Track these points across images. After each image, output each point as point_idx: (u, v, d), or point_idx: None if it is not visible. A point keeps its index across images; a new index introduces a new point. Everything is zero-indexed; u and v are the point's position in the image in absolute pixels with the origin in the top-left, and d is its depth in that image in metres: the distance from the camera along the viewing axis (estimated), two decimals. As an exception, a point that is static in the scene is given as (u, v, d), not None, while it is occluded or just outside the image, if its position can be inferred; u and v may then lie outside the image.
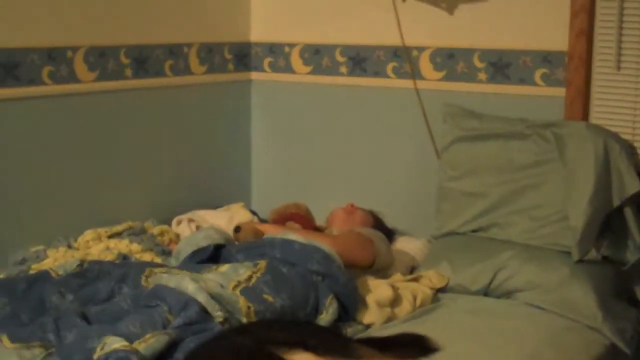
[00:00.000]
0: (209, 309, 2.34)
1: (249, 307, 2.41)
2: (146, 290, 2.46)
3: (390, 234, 3.40)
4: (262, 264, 2.62)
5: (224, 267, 2.60)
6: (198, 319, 2.30)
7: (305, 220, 3.29)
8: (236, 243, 2.94)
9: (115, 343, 2.10)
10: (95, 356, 2.08)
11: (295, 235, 2.82)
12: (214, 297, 2.38)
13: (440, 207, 3.37)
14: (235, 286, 2.48)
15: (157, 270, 2.62)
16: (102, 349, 2.09)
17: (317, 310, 2.59)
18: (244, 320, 2.39)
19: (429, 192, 3.44)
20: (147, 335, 2.16)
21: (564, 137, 3.09)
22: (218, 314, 2.34)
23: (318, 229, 3.29)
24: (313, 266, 2.65)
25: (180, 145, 3.70)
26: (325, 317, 2.57)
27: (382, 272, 3.02)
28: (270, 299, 2.47)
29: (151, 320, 2.28)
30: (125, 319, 2.29)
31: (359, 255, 2.95)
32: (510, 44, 3.37)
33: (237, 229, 3.05)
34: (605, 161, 3.00)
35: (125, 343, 2.10)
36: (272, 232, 2.98)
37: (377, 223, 3.39)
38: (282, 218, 3.30)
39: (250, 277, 2.54)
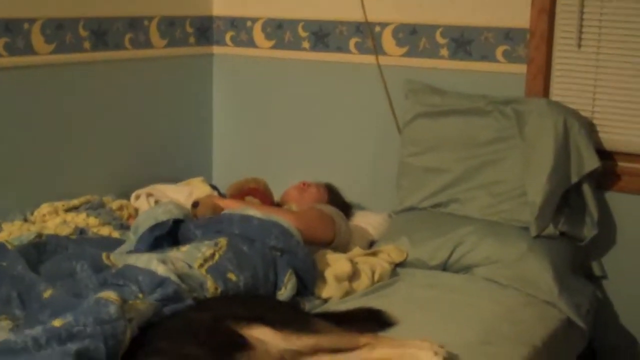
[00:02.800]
0: (180, 290, 2.32)
1: (216, 288, 2.41)
2: (111, 269, 2.42)
3: (347, 208, 3.40)
4: (223, 242, 2.60)
5: (185, 248, 2.58)
6: (174, 297, 2.27)
7: (264, 195, 3.27)
8: (195, 219, 2.92)
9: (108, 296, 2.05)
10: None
11: (253, 210, 2.80)
12: (183, 278, 2.36)
13: (400, 183, 3.37)
14: (201, 265, 2.47)
15: (118, 251, 2.60)
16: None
17: (275, 286, 2.59)
18: (208, 296, 2.38)
19: (390, 168, 3.44)
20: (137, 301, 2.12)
21: (524, 113, 3.10)
22: (188, 295, 2.32)
23: (277, 205, 3.28)
24: (271, 241, 2.65)
25: (141, 119, 3.66)
26: (284, 293, 2.57)
27: (341, 248, 3.02)
28: (234, 277, 2.47)
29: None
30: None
31: (320, 232, 2.94)
32: (472, 20, 3.37)
33: (195, 204, 3.03)
34: (564, 138, 3.02)
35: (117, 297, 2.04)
36: (230, 207, 2.96)
37: (333, 197, 3.39)
38: (241, 193, 3.28)
39: (213, 255, 2.53)
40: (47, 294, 2.26)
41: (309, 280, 2.66)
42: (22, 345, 1.87)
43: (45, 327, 1.92)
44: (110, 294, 2.04)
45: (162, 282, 2.30)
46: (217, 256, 2.52)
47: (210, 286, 2.41)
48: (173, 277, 2.33)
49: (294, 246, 2.67)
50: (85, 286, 2.33)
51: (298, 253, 2.66)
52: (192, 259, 2.48)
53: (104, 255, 2.52)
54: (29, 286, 2.35)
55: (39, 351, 1.86)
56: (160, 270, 2.35)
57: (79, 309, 1.99)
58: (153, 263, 2.38)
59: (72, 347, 1.86)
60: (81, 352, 1.86)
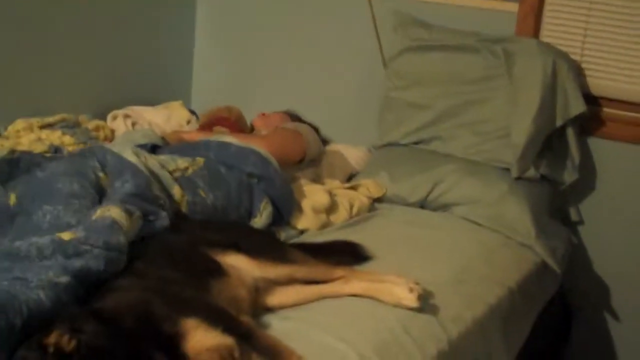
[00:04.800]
0: (151, 186, 2.29)
1: (182, 196, 2.37)
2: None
3: (314, 129, 3.35)
4: (200, 160, 2.57)
5: (162, 157, 2.55)
6: (146, 193, 2.23)
7: (234, 125, 3.20)
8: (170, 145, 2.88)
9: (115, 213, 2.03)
10: (94, 217, 2.01)
11: (231, 138, 2.76)
12: (152, 175, 2.33)
13: (383, 117, 3.32)
14: (174, 171, 2.44)
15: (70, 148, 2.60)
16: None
17: (250, 214, 2.55)
18: (175, 205, 2.34)
19: (374, 102, 3.39)
20: (132, 218, 2.07)
21: (513, 53, 3.05)
22: (158, 194, 2.29)
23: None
24: (248, 168, 2.61)
25: (120, 37, 3.56)
26: (260, 221, 2.54)
27: (314, 165, 2.97)
28: (203, 194, 2.44)
29: (83, 175, 2.22)
30: (58, 180, 2.20)
31: (290, 149, 2.91)
32: (465, -47, 3.29)
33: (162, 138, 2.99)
34: (552, 80, 2.98)
35: (123, 220, 2.01)
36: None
37: (295, 120, 3.33)
38: (211, 122, 3.22)
39: (187, 169, 2.49)
40: (12, 200, 2.21)
41: (285, 209, 2.63)
42: (25, 252, 1.85)
43: (54, 237, 1.89)
44: (122, 216, 2.01)
45: (133, 171, 2.27)
46: (190, 170, 2.49)
47: (177, 192, 2.37)
48: (142, 168, 2.30)
49: (271, 174, 2.63)
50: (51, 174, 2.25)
51: (275, 181, 2.62)
52: (166, 164, 2.46)
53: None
54: None
55: (42, 261, 1.83)
56: (132, 160, 2.33)
57: (92, 226, 1.95)
58: (126, 152, 2.36)
59: (76, 264, 1.84)
60: (82, 270, 1.84)
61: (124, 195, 2.18)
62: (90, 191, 2.21)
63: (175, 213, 2.34)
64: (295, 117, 3.36)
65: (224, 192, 2.50)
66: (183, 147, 2.77)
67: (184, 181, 2.43)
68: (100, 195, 2.23)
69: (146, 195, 2.24)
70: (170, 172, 2.43)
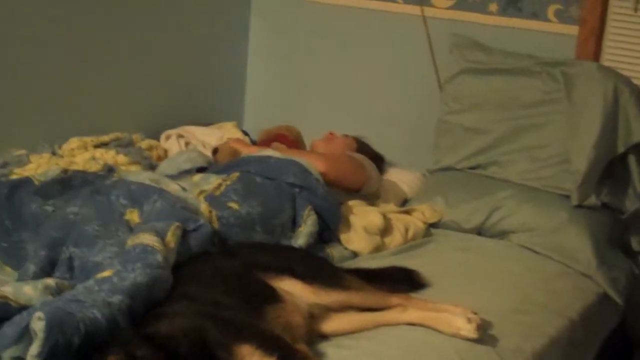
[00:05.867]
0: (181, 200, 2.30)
1: (210, 212, 2.35)
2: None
3: (378, 160, 3.31)
4: (235, 174, 2.57)
5: (197, 177, 2.57)
6: (178, 204, 2.24)
7: (293, 144, 3.19)
8: (216, 164, 2.90)
9: (146, 239, 2.02)
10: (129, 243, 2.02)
11: (272, 152, 2.76)
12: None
13: (438, 141, 3.27)
14: (200, 193, 2.43)
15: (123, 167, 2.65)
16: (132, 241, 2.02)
17: (295, 223, 2.52)
18: None
19: (429, 125, 3.34)
20: (169, 236, 2.07)
21: (573, 77, 2.99)
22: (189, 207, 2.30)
23: None
24: (289, 178, 2.59)
25: (174, 58, 3.57)
26: (305, 230, 2.51)
27: (370, 200, 2.94)
28: (235, 206, 2.41)
29: (108, 214, 2.23)
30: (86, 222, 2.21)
31: (349, 176, 2.87)
32: (525, -25, 3.24)
33: (215, 151, 3.01)
34: (613, 105, 2.91)
35: (156, 243, 2.01)
36: (250, 152, 2.89)
37: (362, 146, 3.29)
38: (270, 139, 3.21)
39: (219, 186, 2.49)
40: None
41: (330, 218, 2.59)
42: (74, 294, 1.82)
43: (96, 278, 1.87)
44: (153, 240, 1.99)
45: (154, 190, 2.29)
46: (222, 187, 2.48)
47: (205, 210, 2.35)
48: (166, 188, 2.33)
49: (313, 183, 2.60)
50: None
51: (317, 190, 2.60)
52: (194, 187, 2.46)
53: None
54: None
55: (91, 295, 1.81)
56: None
57: (126, 258, 1.95)
58: (145, 182, 2.37)
59: (125, 283, 1.84)
60: (132, 287, 1.84)
61: (157, 214, 2.18)
62: (113, 229, 2.21)
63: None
64: (362, 144, 3.31)
65: (260, 200, 2.47)
66: (225, 166, 2.76)
67: (211, 199, 2.41)
68: (128, 227, 2.23)
69: (179, 206, 2.23)
70: (198, 195, 2.43)
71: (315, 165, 2.69)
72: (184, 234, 2.15)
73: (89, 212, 2.26)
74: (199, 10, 3.64)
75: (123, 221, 2.25)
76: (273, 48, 3.86)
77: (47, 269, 2.15)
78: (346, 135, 3.32)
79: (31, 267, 2.14)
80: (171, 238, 2.06)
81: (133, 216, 2.26)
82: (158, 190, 2.30)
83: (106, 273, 1.90)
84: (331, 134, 3.31)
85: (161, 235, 2.05)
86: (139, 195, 2.30)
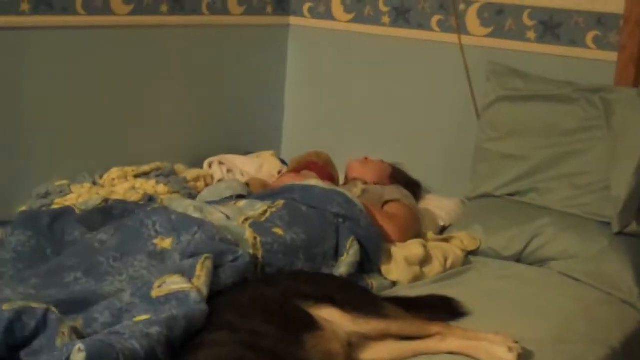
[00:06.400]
0: (221, 231, 2.30)
1: (255, 238, 2.36)
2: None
3: (415, 186, 3.32)
4: (280, 202, 2.59)
5: (242, 203, 2.60)
6: (217, 237, 2.25)
7: (322, 170, 3.19)
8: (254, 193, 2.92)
9: (174, 284, 2.02)
10: (154, 294, 2.00)
11: (316, 181, 2.77)
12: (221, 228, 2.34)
13: (476, 168, 3.26)
14: (245, 220, 2.44)
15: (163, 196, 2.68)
16: (159, 286, 2.02)
17: (337, 252, 2.53)
18: (251, 252, 2.32)
19: (466, 152, 3.33)
20: (198, 270, 2.07)
21: (612, 103, 2.96)
22: (230, 238, 2.29)
23: (334, 180, 3.19)
24: (334, 208, 2.60)
25: (213, 88, 3.60)
26: (347, 259, 2.52)
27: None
28: (280, 232, 2.43)
29: (133, 241, 2.26)
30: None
31: (412, 233, 2.87)
32: (562, 3, 3.22)
33: (246, 184, 3.04)
34: (654, 131, 2.88)
35: (184, 284, 2.01)
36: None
37: (397, 173, 3.30)
38: (300, 166, 3.23)
39: (265, 212, 2.52)
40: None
41: (372, 249, 2.60)
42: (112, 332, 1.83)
43: (129, 323, 1.88)
44: (181, 282, 2.00)
45: (195, 221, 2.30)
46: (268, 213, 2.51)
47: (249, 237, 2.36)
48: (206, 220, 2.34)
49: (357, 214, 2.62)
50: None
51: (361, 221, 2.61)
52: (239, 214, 2.48)
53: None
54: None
55: (130, 327, 1.82)
56: (196, 216, 2.38)
57: (158, 309, 1.94)
58: (189, 210, 2.42)
59: (162, 315, 1.86)
60: (169, 319, 1.85)
61: (196, 246, 2.19)
62: (130, 260, 2.24)
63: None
64: (397, 171, 3.32)
65: (305, 228, 2.49)
66: (268, 193, 2.79)
67: (256, 225, 2.42)
68: (154, 251, 2.26)
69: (219, 238, 2.24)
70: (243, 222, 2.44)
71: (388, 234, 2.72)
72: (221, 265, 2.15)
73: (113, 242, 2.30)
74: (238, 40, 3.68)
75: (147, 247, 2.26)
76: (310, 77, 3.89)
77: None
78: (382, 161, 3.33)
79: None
80: (201, 272, 2.06)
81: (164, 243, 2.28)
82: (199, 222, 2.31)
83: (139, 319, 1.90)
84: (366, 158, 3.33)
85: (189, 273, 2.05)
86: (178, 225, 2.31)
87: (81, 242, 2.38)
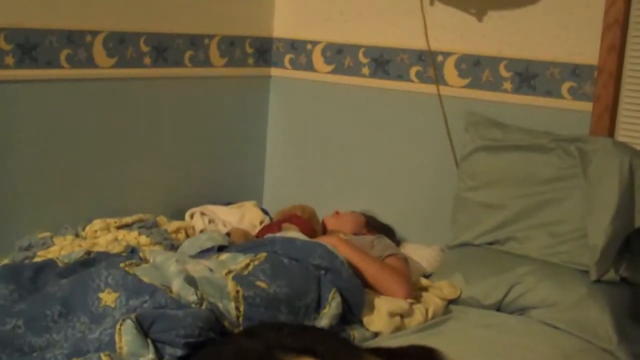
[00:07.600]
0: (182, 293, 2.28)
1: (237, 292, 2.36)
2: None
3: (389, 231, 3.34)
4: (263, 254, 2.60)
5: (224, 256, 2.60)
6: (167, 302, 2.24)
7: (305, 224, 3.20)
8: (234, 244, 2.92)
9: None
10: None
11: (296, 233, 2.79)
12: (195, 280, 2.34)
13: (456, 217, 3.29)
14: (228, 273, 2.45)
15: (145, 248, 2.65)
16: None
17: (319, 305, 2.54)
18: (232, 304, 2.33)
19: (445, 201, 3.37)
20: (117, 342, 2.07)
21: (588, 152, 3.01)
22: (192, 298, 2.28)
23: (316, 234, 3.19)
24: (315, 260, 2.61)
25: (195, 138, 3.64)
26: (328, 312, 2.52)
27: None
28: (263, 285, 2.43)
29: (84, 295, 2.26)
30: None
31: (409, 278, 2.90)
32: (538, 54, 3.29)
33: (228, 234, 3.05)
34: (629, 180, 2.92)
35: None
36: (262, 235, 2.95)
37: (370, 221, 3.33)
38: (284, 218, 3.24)
39: (247, 265, 2.52)
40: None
41: (354, 301, 2.60)
42: None
43: None
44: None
45: (153, 292, 2.27)
46: (250, 266, 2.51)
47: (232, 289, 2.36)
48: (178, 279, 2.31)
49: (338, 266, 2.63)
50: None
51: (342, 272, 2.62)
52: (222, 267, 2.48)
53: (121, 264, 2.47)
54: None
55: None
56: (172, 268, 2.36)
57: None
58: (170, 260, 2.42)
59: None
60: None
61: (137, 312, 2.18)
62: (72, 318, 2.25)
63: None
64: (370, 218, 3.36)
65: (287, 280, 2.49)
66: (249, 245, 2.79)
67: (239, 278, 2.43)
68: (99, 320, 2.24)
69: (166, 310, 2.22)
70: (226, 274, 2.44)
71: (396, 292, 2.74)
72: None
73: (64, 293, 2.30)
74: (220, 91, 3.72)
75: (93, 302, 2.26)
76: (291, 127, 3.93)
77: None
78: (353, 212, 3.36)
79: None
80: (121, 343, 2.07)
81: (108, 299, 2.27)
82: (152, 290, 2.27)
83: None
84: (337, 212, 3.36)
85: (110, 347, 2.06)
86: (131, 286, 2.28)
87: (42, 291, 2.37)
